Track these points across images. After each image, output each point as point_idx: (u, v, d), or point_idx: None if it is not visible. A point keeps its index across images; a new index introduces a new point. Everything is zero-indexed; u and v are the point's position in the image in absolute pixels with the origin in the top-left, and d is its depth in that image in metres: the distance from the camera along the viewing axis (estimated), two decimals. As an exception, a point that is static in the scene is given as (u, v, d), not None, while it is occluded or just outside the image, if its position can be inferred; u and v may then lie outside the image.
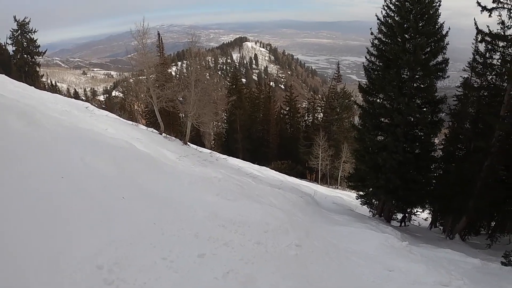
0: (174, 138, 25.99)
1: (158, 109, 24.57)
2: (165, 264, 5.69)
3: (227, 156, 32.41)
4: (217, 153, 32.89)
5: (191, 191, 9.61)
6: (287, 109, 63.90)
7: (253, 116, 60.88)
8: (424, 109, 20.93)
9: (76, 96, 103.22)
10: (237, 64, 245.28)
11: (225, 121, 61.03)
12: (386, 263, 8.84)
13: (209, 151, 31.10)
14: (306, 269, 7.20)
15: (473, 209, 22.04)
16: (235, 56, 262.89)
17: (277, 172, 37.57)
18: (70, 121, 13.49)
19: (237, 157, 41.84)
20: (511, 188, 22.17)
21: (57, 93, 43.75)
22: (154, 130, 26.53)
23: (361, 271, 8.00)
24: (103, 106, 70.98)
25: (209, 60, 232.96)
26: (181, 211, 7.72)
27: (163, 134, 25.01)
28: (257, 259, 6.71)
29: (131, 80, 23.86)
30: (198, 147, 30.63)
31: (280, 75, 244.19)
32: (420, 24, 19.87)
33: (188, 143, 26.44)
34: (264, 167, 37.56)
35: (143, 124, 37.41)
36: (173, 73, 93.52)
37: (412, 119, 20.83)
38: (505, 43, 20.56)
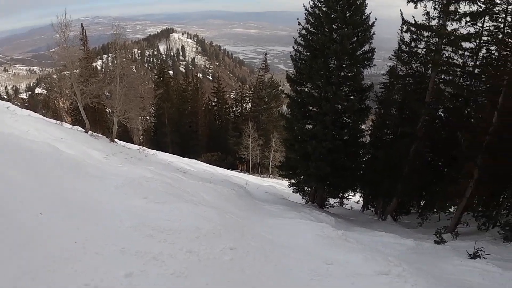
0: (100, 135, 24.91)
1: (82, 106, 23.35)
2: (88, 291, 5.12)
3: (157, 151, 31.75)
4: (146, 148, 32.18)
5: (118, 196, 9.05)
6: (215, 100, 63.79)
7: (181, 109, 60.30)
8: (352, 97, 21.27)
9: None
10: (164, 56, 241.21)
11: (153, 115, 60.18)
12: (324, 256, 8.69)
13: (138, 147, 30.29)
14: (243, 274, 6.79)
15: (402, 192, 22.92)
16: (162, 48, 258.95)
17: (208, 165, 37.53)
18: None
19: (166, 152, 41.48)
20: (437, 169, 23.30)
21: None
22: (80, 129, 25.39)
23: (300, 268, 7.74)
24: (26, 104, 68.22)
25: (136, 52, 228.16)
26: (106, 223, 7.09)
27: (89, 132, 23.98)
28: (190, 270, 6.18)
29: (55, 76, 22.45)
30: (126, 143, 29.71)
31: (208, 66, 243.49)
32: (347, 15, 20.15)
33: (116, 140, 25.62)
34: (194, 160, 37.47)
35: (68, 122, 36.09)
36: (99, 67, 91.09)
37: (340, 107, 21.12)
38: (429, 33, 21.44)
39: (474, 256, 12.03)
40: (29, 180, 7.68)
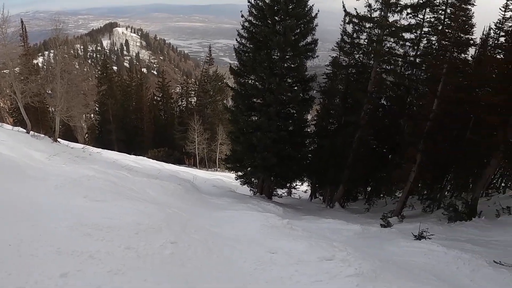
0: (43, 135, 23.95)
1: (23, 105, 22.51)
2: (22, 294, 4.94)
3: (102, 150, 31.11)
4: (91, 147, 31.53)
5: (57, 197, 8.85)
6: (160, 95, 63.07)
7: (125, 105, 59.38)
8: (295, 88, 21.53)
9: None
10: (108, 51, 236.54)
11: (97, 112, 58.59)
12: (269, 245, 8.70)
13: (82, 146, 29.62)
14: (184, 267, 6.71)
15: (348, 179, 23.48)
16: (106, 42, 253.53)
17: (155, 161, 37.05)
18: None
19: (112, 149, 40.93)
20: (382, 156, 23.98)
21: None
22: (21, 129, 24.57)
23: (244, 259, 7.71)
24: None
25: (78, 48, 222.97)
26: (43, 224, 6.89)
27: (31, 132, 23.19)
28: (128, 267, 6.05)
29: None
30: (70, 143, 29.01)
31: (153, 61, 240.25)
32: (290, 7, 20.29)
33: (59, 139, 24.93)
34: (141, 157, 37.03)
35: (10, 123, 35.00)
36: (40, 64, 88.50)
37: (284, 98, 21.31)
38: (371, 24, 22.07)
39: (419, 237, 12.45)
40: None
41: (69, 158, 18.96)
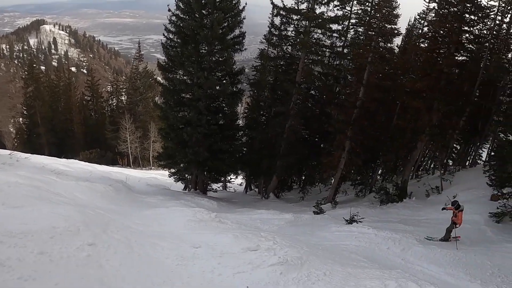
0: None
1: None
2: None
3: (30, 155, 30.01)
4: (19, 153, 30.44)
5: None
6: (90, 94, 61.08)
7: (54, 106, 57.11)
8: (224, 81, 21.72)
9: None
10: (35, 50, 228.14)
11: (25, 115, 55.57)
12: (193, 240, 8.70)
13: (9, 152, 28.61)
14: (101, 268, 6.66)
15: (281, 168, 23.87)
16: (32, 41, 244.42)
17: (86, 163, 36.07)
18: None
19: (42, 154, 39.48)
20: (313, 144, 24.53)
21: None
22: None
23: (166, 255, 7.74)
24: None
25: (4, 48, 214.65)
26: None
27: None
28: (39, 272, 5.99)
29: None
30: (-5, 149, 28.00)
31: (82, 59, 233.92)
32: (218, 0, 20.39)
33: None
34: (72, 160, 35.88)
35: None
36: None
37: (213, 92, 21.39)
38: (299, 16, 22.48)
39: (351, 221, 13.02)
40: None
41: None
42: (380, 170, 24.60)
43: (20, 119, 58.07)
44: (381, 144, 20.61)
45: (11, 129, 59.35)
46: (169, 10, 21.37)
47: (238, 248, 8.09)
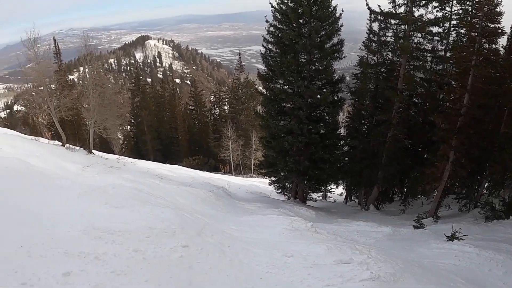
0: (78, 148, 24.38)
1: (58, 120, 22.98)
2: (23, 290, 5.07)
3: (136, 160, 31.36)
4: (126, 157, 31.87)
5: (77, 204, 8.95)
6: (193, 104, 63.33)
7: (159, 115, 59.95)
8: (324, 90, 21.47)
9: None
10: (141, 64, 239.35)
11: (132, 123, 59.58)
12: (286, 248, 8.50)
13: (116, 157, 30.04)
14: (191, 269, 6.71)
15: (383, 179, 23.12)
16: (138, 56, 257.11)
17: (189, 169, 37.18)
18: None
19: (148, 159, 41.28)
20: (416, 155, 23.44)
21: None
22: (57, 143, 25.09)
23: (257, 262, 7.59)
24: (5, 123, 67.45)
25: (112, 62, 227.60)
26: (57, 228, 7.02)
27: (66, 145, 23.70)
28: (132, 268, 6.16)
29: (33, 93, 22.12)
30: (104, 154, 29.31)
31: (186, 71, 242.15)
32: (314, 9, 20.17)
33: (94, 151, 25.36)
34: (176, 166, 37.14)
35: (48, 137, 35.72)
36: (76, 80, 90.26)
37: (313, 101, 21.17)
38: (397, 20, 21.62)
39: (452, 238, 12.11)
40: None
41: (103, 168, 19.02)
42: (486, 183, 23.14)
43: (128, 127, 61.39)
44: (487, 155, 19.29)
45: (119, 136, 62.58)
46: (267, 21, 21.42)
47: (330, 260, 7.80)
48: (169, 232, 7.86)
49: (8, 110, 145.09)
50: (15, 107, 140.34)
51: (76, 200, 9.27)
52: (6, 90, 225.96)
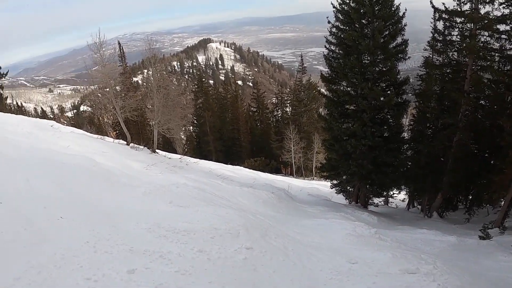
0: (142, 147, 25.33)
1: (123, 120, 24.01)
2: (88, 284, 5.06)
3: (199, 160, 31.86)
4: (188, 157, 32.37)
5: (142, 202, 9.18)
6: (255, 106, 64.08)
7: (222, 117, 60.81)
8: (388, 92, 20.97)
9: (43, 115, 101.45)
10: (203, 66, 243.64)
11: (195, 124, 60.77)
12: (350, 254, 8.33)
13: (179, 156, 30.58)
14: (255, 272, 6.62)
15: (448, 186, 22.25)
16: (201, 58, 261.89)
17: (251, 170, 37.45)
18: (28, 142, 13.01)
19: (210, 160, 41.80)
20: (483, 160, 22.35)
21: (23, 114, 42.98)
22: (121, 142, 25.96)
23: (321, 267, 7.38)
24: (72, 122, 70.09)
25: (175, 65, 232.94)
26: (122, 225, 7.20)
27: (131, 144, 24.44)
28: (196, 269, 6.14)
29: (99, 95, 23.12)
30: (167, 153, 30.07)
31: (247, 73, 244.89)
32: (376, 8, 19.80)
33: (157, 150, 25.98)
34: (237, 167, 37.49)
35: (113, 136, 36.93)
36: (140, 82, 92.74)
37: (377, 103, 20.69)
38: (462, 18, 20.70)
39: (520, 251, 11.53)
40: (55, 189, 8.03)
41: (166, 167, 19.49)
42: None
43: (191, 127, 63.34)
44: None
45: (182, 136, 63.84)
46: (329, 22, 21.16)
47: (395, 269, 7.51)
48: (233, 233, 7.87)
49: (75, 110, 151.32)
50: (82, 108, 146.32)
51: (141, 198, 9.51)
52: (73, 92, 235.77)
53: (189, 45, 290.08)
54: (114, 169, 12.55)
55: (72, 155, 11.81)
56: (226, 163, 39.84)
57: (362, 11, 19.86)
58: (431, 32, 22.24)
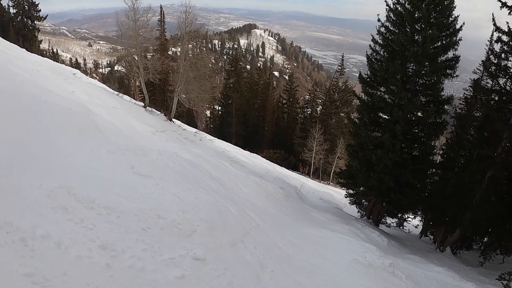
0: (158, 112, 25.03)
1: (144, 81, 23.98)
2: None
3: (215, 138, 31.10)
4: (205, 133, 31.40)
5: (93, 160, 7.23)
6: (286, 98, 63.36)
7: (250, 102, 60.50)
8: (428, 108, 19.53)
9: (76, 65, 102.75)
10: (244, 50, 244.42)
11: (222, 103, 60.42)
12: None
13: (195, 130, 29.63)
14: None
15: (469, 223, 20.57)
16: (243, 42, 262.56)
17: (267, 161, 36.93)
18: (27, 77, 11.66)
19: (229, 142, 41.44)
20: (510, 205, 20.52)
21: (58, 61, 43.45)
22: (139, 103, 25.55)
23: None
24: (103, 79, 70.74)
25: (216, 43, 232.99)
26: (23, 179, 5.10)
27: (147, 108, 23.70)
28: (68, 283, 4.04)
29: (135, 57, 22.52)
30: (183, 124, 29.26)
31: (286, 66, 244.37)
32: (433, 15, 18.41)
33: (174, 120, 25.21)
34: (254, 154, 37.00)
35: (138, 99, 36.36)
36: (178, 53, 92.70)
37: (414, 117, 19.64)
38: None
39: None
40: (22, 129, 6.71)
41: (176, 137, 18.85)
42: None
43: (217, 106, 62.89)
44: None
45: (208, 113, 63.23)
46: (379, 20, 19.90)
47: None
48: (184, 229, 5.63)
49: (109, 68, 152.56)
50: (116, 67, 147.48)
51: (99, 155, 7.69)
52: (111, 50, 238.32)
53: (234, 27, 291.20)
54: (110, 124, 11.56)
55: (66, 99, 10.47)
56: (244, 148, 39.03)
57: (416, 15, 18.61)
58: (487, 52, 20.38)
